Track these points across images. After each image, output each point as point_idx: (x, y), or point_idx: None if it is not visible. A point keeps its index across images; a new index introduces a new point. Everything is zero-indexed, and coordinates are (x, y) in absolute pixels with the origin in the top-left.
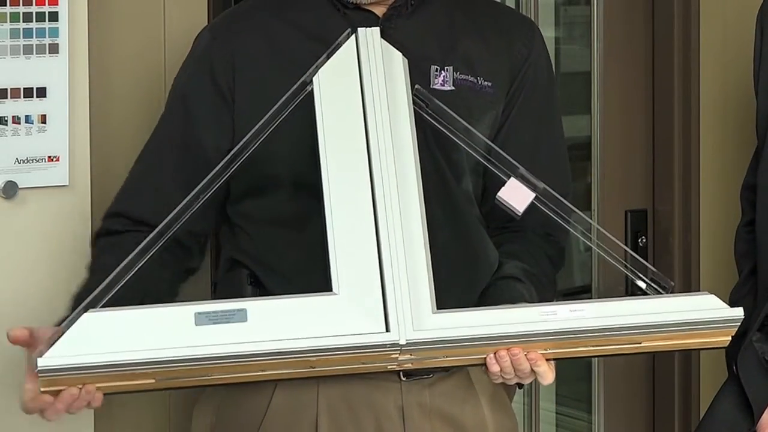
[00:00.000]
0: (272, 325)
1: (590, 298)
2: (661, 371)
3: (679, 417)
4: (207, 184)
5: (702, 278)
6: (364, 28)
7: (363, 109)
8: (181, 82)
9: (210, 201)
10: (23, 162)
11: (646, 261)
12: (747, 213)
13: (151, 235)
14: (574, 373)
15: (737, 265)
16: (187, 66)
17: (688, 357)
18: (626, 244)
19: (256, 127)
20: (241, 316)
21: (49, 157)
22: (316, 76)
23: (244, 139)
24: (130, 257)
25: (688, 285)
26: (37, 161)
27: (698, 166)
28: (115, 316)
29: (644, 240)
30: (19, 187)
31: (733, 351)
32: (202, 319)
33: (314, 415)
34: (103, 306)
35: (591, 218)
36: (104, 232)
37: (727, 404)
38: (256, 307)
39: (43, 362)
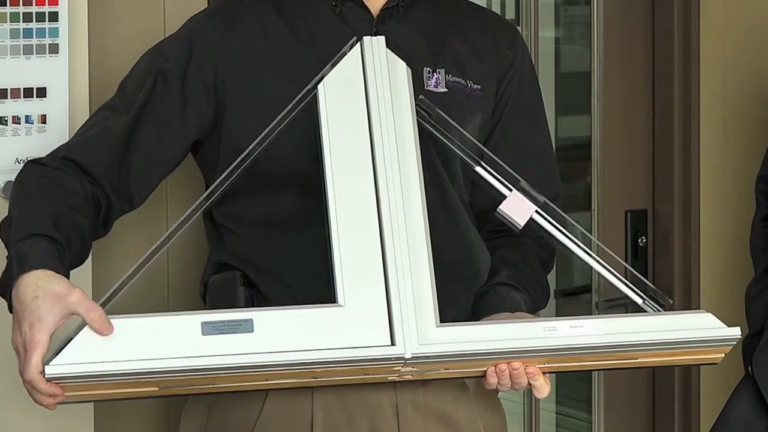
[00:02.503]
0: (278, 336)
1: (590, 297)
2: (661, 371)
3: (679, 417)
4: (212, 191)
5: (702, 279)
6: (369, 37)
7: (368, 119)
8: (167, 57)
9: (156, 177)
10: (23, 162)
11: (646, 261)
12: (762, 207)
13: (154, 246)
14: (574, 373)
15: (753, 260)
16: (176, 44)
17: None
18: (626, 245)
19: (263, 134)
20: (247, 326)
21: None
22: (321, 84)
23: (251, 146)
24: (139, 261)
25: (688, 286)
26: None
27: (698, 166)
28: (121, 323)
29: (644, 240)
30: None
31: (749, 350)
32: (208, 328)
33: (309, 413)
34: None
35: (591, 218)
36: (55, 165)
37: (743, 403)
38: (263, 317)
39: (50, 370)
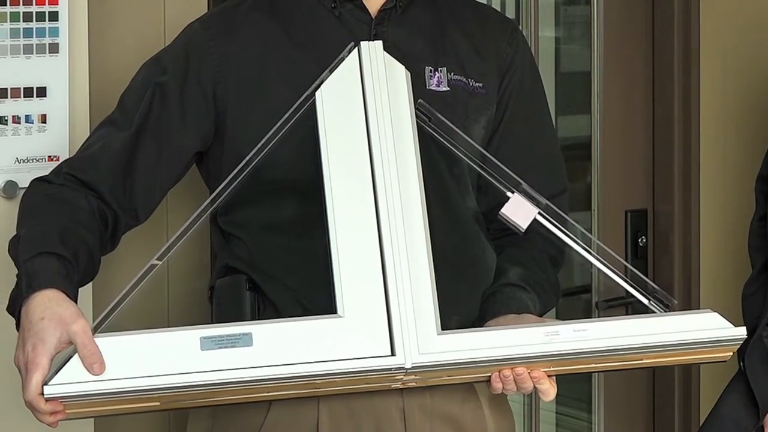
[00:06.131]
0: (278, 349)
1: (590, 297)
2: (661, 371)
3: (679, 417)
4: (214, 198)
5: (702, 278)
6: (366, 42)
7: (366, 125)
8: (165, 70)
9: (161, 190)
10: (23, 162)
11: (647, 261)
12: (761, 206)
13: (154, 257)
14: (578, 375)
15: (750, 259)
16: (172, 56)
17: None
18: (626, 244)
19: (262, 142)
20: (246, 340)
21: (49, 157)
22: (318, 90)
23: (252, 152)
24: (137, 277)
25: (688, 285)
26: (37, 161)
27: (698, 166)
28: (120, 341)
29: (644, 240)
30: (20, 186)
31: (743, 347)
32: (207, 343)
33: (315, 417)
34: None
35: (591, 218)
36: (59, 182)
37: (734, 400)
38: (262, 330)
39: (49, 390)
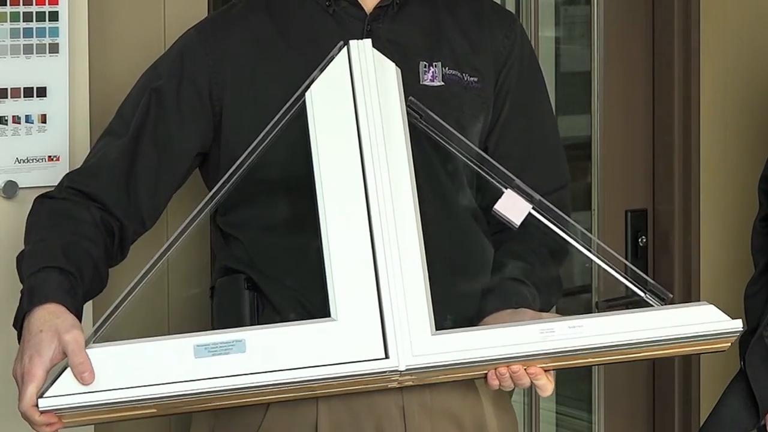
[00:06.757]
0: (271, 355)
1: (590, 297)
2: (662, 371)
3: (679, 417)
4: (209, 200)
5: (702, 278)
6: (355, 41)
7: (357, 124)
8: (160, 75)
9: (165, 194)
10: (23, 162)
11: (647, 261)
12: (764, 206)
13: (151, 261)
14: (574, 373)
15: (753, 259)
16: (168, 61)
17: (688, 357)
18: (626, 244)
19: (255, 141)
20: (239, 347)
21: (49, 157)
22: (309, 90)
23: (245, 153)
24: (130, 286)
25: (688, 285)
26: (37, 161)
27: (698, 166)
28: (114, 351)
29: (644, 240)
30: (20, 186)
31: (745, 346)
32: (201, 351)
33: (314, 416)
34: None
35: (591, 218)
36: (62, 196)
37: (734, 400)
38: (255, 337)
39: (44, 403)
